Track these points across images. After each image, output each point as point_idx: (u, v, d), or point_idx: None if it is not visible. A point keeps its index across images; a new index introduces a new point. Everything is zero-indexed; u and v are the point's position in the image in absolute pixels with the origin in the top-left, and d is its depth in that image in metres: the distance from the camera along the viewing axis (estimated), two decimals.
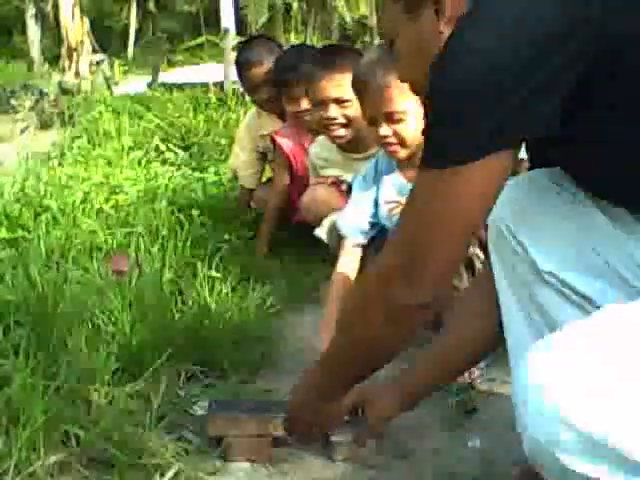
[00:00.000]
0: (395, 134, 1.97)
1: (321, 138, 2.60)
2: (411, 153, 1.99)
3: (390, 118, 1.95)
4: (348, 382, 1.37)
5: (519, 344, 1.28)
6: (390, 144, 1.99)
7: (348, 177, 2.37)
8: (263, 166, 3.26)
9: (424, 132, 1.10)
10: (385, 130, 1.97)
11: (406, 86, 1.40)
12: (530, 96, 1.01)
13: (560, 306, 1.27)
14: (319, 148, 2.58)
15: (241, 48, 3.23)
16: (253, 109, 3.37)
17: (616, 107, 1.05)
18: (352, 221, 2.12)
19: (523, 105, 1.02)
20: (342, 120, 2.34)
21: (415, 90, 1.33)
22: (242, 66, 3.06)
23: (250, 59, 3.01)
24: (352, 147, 2.43)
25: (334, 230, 2.17)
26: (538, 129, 1.05)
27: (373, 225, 2.12)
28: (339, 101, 2.31)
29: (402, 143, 1.98)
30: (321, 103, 2.35)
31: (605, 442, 0.92)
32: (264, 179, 3.32)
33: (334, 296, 2.05)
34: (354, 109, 2.27)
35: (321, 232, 2.25)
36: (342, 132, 2.37)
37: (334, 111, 2.33)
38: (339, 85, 2.29)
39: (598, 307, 1.23)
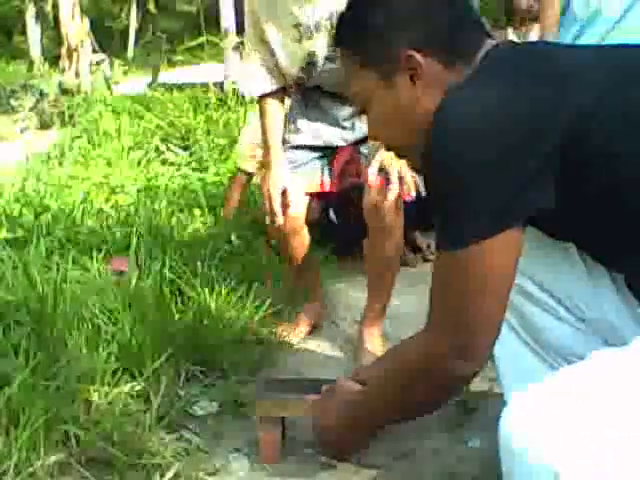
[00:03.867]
0: None
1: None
2: None
3: None
4: (376, 429, 1.45)
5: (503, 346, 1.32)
6: None
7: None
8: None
9: (435, 216, 1.15)
10: None
11: None
12: (530, 178, 1.08)
13: (536, 311, 1.35)
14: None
15: None
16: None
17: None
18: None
19: (526, 186, 1.08)
20: None
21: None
22: None
23: None
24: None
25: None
26: (540, 205, 1.11)
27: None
28: None
29: None
30: None
31: None
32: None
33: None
34: None
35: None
36: None
37: None
38: None
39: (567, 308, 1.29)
